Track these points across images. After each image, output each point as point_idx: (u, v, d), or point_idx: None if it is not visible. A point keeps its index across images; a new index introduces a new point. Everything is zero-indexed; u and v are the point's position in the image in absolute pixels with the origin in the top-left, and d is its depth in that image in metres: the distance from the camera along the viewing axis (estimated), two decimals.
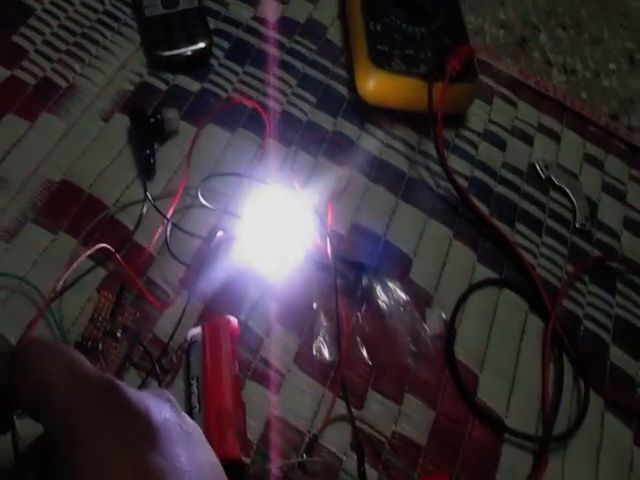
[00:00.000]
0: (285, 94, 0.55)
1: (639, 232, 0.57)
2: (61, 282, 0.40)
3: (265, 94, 0.55)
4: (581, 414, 0.46)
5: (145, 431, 0.24)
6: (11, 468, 0.28)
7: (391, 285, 0.45)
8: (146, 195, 0.46)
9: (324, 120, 0.55)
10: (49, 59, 0.53)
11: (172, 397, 0.28)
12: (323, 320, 0.43)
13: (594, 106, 0.63)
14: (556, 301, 0.49)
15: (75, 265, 0.41)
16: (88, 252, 0.42)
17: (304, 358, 0.43)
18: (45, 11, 0.56)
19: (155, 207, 0.46)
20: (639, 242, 0.57)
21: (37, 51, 0.53)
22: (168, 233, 0.46)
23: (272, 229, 0.45)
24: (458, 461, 0.43)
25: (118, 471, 0.23)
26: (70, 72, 0.53)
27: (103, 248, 0.43)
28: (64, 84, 0.52)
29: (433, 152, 0.54)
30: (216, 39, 0.56)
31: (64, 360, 0.25)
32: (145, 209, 0.46)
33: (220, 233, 0.44)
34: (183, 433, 0.26)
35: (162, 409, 0.26)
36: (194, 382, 0.39)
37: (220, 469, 0.26)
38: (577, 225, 0.55)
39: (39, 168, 0.47)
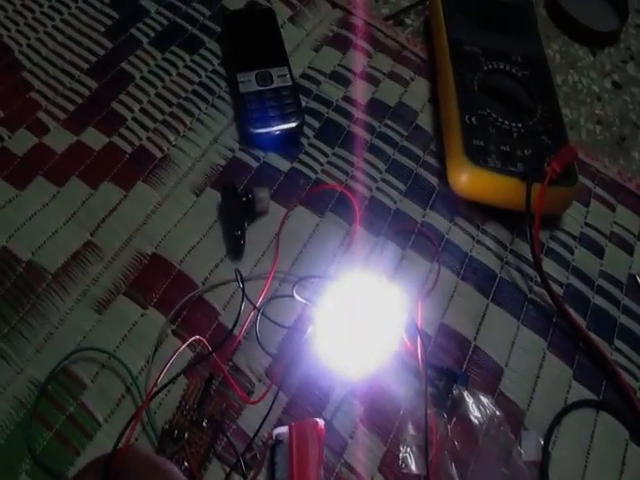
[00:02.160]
0: (374, 179, 0.55)
1: None
2: (161, 377, 0.40)
3: (354, 178, 0.55)
4: None
5: None
6: None
7: (484, 400, 0.44)
8: (239, 282, 0.46)
9: (413, 210, 0.54)
10: (145, 128, 0.55)
11: None
12: (410, 429, 0.42)
13: None
14: None
15: (173, 358, 0.41)
16: (185, 345, 0.42)
17: (389, 467, 0.42)
18: (143, 79, 0.58)
19: (246, 297, 0.46)
20: None
21: (134, 119, 0.55)
22: (257, 321, 0.46)
23: (359, 324, 0.44)
24: None
25: None
26: (165, 142, 0.54)
27: (192, 329, 0.43)
28: (159, 154, 0.53)
29: (526, 253, 0.52)
30: (307, 118, 0.57)
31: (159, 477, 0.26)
32: (235, 292, 0.47)
33: (311, 328, 0.44)
34: None
35: None
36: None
37: None
38: None
39: (132, 239, 0.49)
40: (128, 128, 0.54)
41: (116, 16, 0.62)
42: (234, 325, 0.43)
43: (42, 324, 0.44)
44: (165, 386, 0.41)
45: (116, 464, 0.26)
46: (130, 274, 0.47)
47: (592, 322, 0.51)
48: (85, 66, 0.58)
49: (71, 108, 0.55)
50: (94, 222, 0.49)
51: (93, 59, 0.58)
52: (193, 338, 0.43)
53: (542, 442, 0.44)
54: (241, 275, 0.45)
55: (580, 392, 0.48)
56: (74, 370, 0.42)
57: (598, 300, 0.53)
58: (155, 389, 0.40)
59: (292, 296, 0.46)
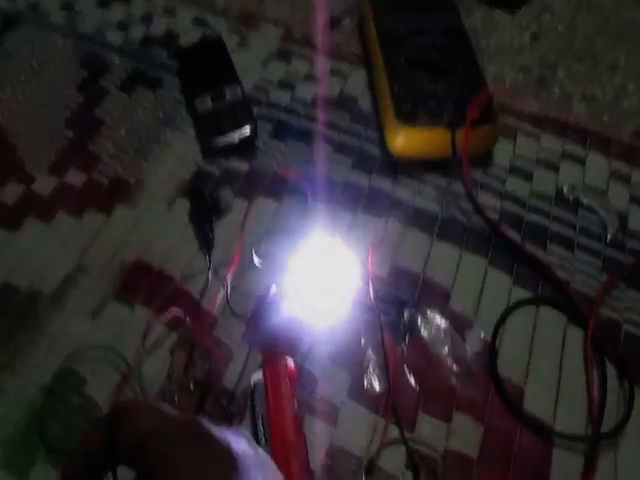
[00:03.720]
0: (323, 161, 0.61)
1: None
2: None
3: (306, 164, 0.61)
4: (628, 411, 0.46)
5: (228, 461, 0.28)
6: None
7: (431, 315, 0.49)
8: (209, 265, 0.52)
9: (360, 179, 0.60)
10: (120, 160, 0.61)
11: (247, 432, 0.32)
12: (371, 355, 0.47)
13: (616, 126, 0.64)
14: (594, 309, 0.50)
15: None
16: (162, 319, 0.48)
17: (356, 391, 0.47)
18: (114, 120, 0.65)
19: (215, 272, 0.52)
20: None
21: (109, 155, 0.62)
22: (229, 295, 0.51)
23: (319, 279, 0.50)
24: (511, 470, 0.44)
25: None
26: (138, 169, 0.61)
27: (175, 315, 0.49)
28: (133, 180, 0.60)
29: (463, 192, 0.57)
30: (261, 123, 0.63)
31: (154, 411, 0.30)
32: (209, 277, 0.52)
33: (273, 288, 0.49)
34: (258, 462, 0.30)
35: (240, 442, 0.30)
36: (259, 420, 0.42)
37: None
38: (609, 238, 0.56)
39: (116, 254, 0.55)
40: (105, 164, 0.61)
41: (85, 73, 0.69)
42: (201, 296, 0.50)
43: (44, 337, 0.50)
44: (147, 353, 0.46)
45: (117, 411, 0.30)
46: (117, 282, 0.53)
47: (527, 235, 0.56)
48: (62, 120, 0.65)
49: (53, 158, 0.62)
50: (82, 247, 0.55)
51: (69, 113, 0.65)
52: (170, 313, 0.49)
53: (483, 335, 0.49)
54: (209, 255, 0.52)
55: (521, 294, 0.52)
56: (75, 368, 0.48)
57: (531, 216, 0.58)
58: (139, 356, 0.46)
59: (257, 267, 0.52)
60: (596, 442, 0.45)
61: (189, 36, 0.73)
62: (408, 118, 0.57)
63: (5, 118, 0.66)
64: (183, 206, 0.58)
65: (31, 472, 0.44)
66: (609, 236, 0.56)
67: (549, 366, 0.49)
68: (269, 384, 0.43)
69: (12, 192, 0.59)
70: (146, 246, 0.55)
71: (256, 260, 0.53)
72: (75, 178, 0.60)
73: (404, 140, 0.57)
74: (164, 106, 0.66)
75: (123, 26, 0.74)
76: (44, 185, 0.60)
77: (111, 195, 0.59)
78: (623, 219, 0.58)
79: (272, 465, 0.31)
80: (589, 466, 0.44)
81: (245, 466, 0.28)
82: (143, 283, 0.53)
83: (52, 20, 0.75)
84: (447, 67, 0.61)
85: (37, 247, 0.55)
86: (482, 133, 0.57)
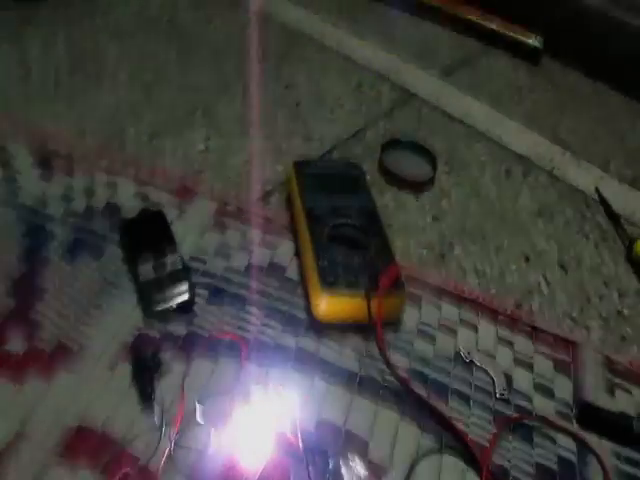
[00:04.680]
0: (255, 325, 0.68)
1: (547, 394, 0.69)
2: None
3: (239, 328, 0.67)
4: None
5: None
6: None
7: (352, 464, 0.56)
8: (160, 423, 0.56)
9: (288, 341, 0.67)
10: (61, 328, 0.65)
11: None
12: None
13: (501, 299, 0.78)
14: (486, 456, 0.59)
15: None
16: None
17: None
18: (57, 288, 0.69)
19: (159, 432, 0.56)
20: (548, 402, 0.68)
21: (52, 323, 0.65)
22: (172, 453, 0.55)
23: (254, 430, 0.56)
24: None
25: None
26: (80, 335, 0.64)
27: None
28: (75, 347, 0.63)
29: (378, 353, 0.65)
30: (198, 289, 0.70)
31: None
32: (152, 438, 0.55)
33: (213, 440, 0.54)
34: None
35: None
36: None
37: None
38: (497, 395, 0.67)
39: (58, 419, 0.57)
40: (46, 331, 0.64)
41: (27, 243, 0.73)
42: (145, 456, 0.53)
43: None
44: None
45: None
46: (59, 447, 0.55)
47: (431, 391, 0.65)
48: (3, 289, 0.68)
49: None
50: (23, 415, 0.57)
51: (10, 283, 0.68)
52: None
53: None
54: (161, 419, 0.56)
55: (427, 444, 0.61)
56: None
57: (434, 375, 0.67)
58: None
59: (199, 423, 0.57)
60: None
61: (130, 208, 0.79)
62: (331, 287, 0.66)
63: None
64: (124, 369, 0.61)
65: None
66: (497, 393, 0.66)
67: None
68: None
69: None
70: (88, 410, 0.58)
71: (198, 417, 0.57)
72: (16, 345, 0.62)
73: (326, 306, 0.66)
74: (105, 274, 0.71)
75: (65, 198, 0.79)
76: None
77: (53, 361, 0.61)
78: (509, 378, 0.69)
79: None
80: None
81: None
82: (86, 447, 0.55)
83: None
84: (363, 243, 0.72)
85: None
86: (392, 301, 0.67)
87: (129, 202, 0.81)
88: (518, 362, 0.71)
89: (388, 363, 0.63)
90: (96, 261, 0.73)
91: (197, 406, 0.57)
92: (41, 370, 0.61)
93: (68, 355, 0.62)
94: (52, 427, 0.56)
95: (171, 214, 0.79)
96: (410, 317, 0.73)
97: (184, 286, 0.68)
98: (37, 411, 0.57)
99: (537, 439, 0.64)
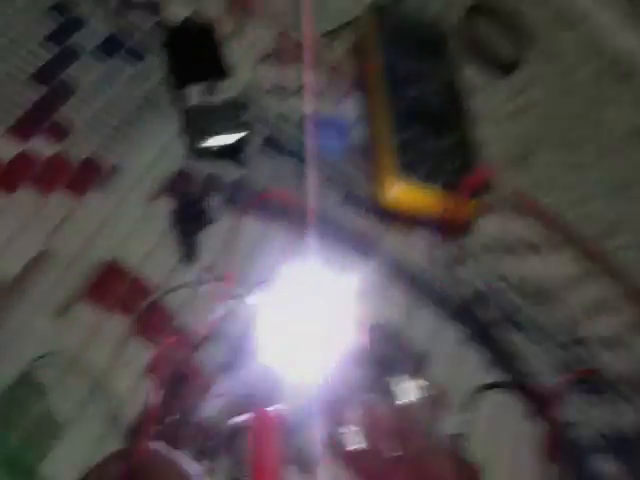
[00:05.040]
0: (315, 188, 0.60)
1: (627, 347, 0.63)
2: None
3: (297, 188, 0.59)
4: None
5: None
6: None
7: (411, 381, 0.51)
8: (191, 282, 0.51)
9: (350, 218, 0.60)
10: (91, 139, 0.56)
11: None
12: (351, 412, 0.48)
13: (584, 226, 0.69)
14: (553, 405, 0.55)
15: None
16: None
17: (335, 448, 0.47)
18: (85, 90, 0.59)
19: (198, 295, 0.50)
20: (628, 354, 0.63)
21: (79, 131, 0.56)
22: (212, 317, 0.49)
23: (306, 319, 0.49)
24: None
25: None
26: (113, 153, 0.56)
27: (151, 333, 0.47)
28: (107, 166, 0.55)
29: (446, 257, 0.60)
30: (253, 130, 0.60)
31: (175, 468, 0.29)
32: (188, 295, 0.50)
33: (259, 328, 0.48)
34: None
35: None
36: (239, 465, 0.42)
37: None
38: (571, 338, 0.61)
39: (88, 246, 0.51)
40: (74, 141, 0.55)
41: (55, 26, 0.61)
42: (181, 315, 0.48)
43: (1, 332, 0.45)
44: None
45: (135, 459, 0.28)
46: (88, 279, 0.49)
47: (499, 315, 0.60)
48: (24, 78, 0.57)
49: (13, 121, 0.54)
50: (49, 230, 0.50)
51: (33, 69, 0.58)
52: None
53: (461, 418, 0.52)
54: (198, 279, 0.49)
55: (495, 376, 0.56)
56: (36, 375, 0.44)
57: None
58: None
59: (242, 301, 0.50)
60: None
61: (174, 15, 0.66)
62: (408, 171, 0.58)
63: None
64: (164, 206, 0.54)
65: None
66: (572, 337, 0.61)
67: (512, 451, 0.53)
68: (255, 432, 0.43)
69: None
70: (122, 244, 0.51)
71: (241, 285, 0.51)
72: (41, 147, 0.54)
73: (400, 193, 0.58)
74: (146, 85, 0.61)
75: None
76: (3, 148, 0.53)
77: (82, 177, 0.54)
78: (587, 320, 0.63)
79: None
80: None
81: None
82: (118, 287, 0.49)
83: None
84: (447, 126, 0.62)
85: None
86: (471, 204, 0.60)
87: (174, 6, 0.67)
88: (598, 303, 0.65)
89: (455, 274, 0.58)
90: (134, 67, 0.62)
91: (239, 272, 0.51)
92: (68, 184, 0.53)
93: (98, 175, 0.55)
94: (81, 252, 0.50)
95: (224, 30, 0.67)
96: (483, 227, 0.65)
97: (236, 121, 0.59)
98: (64, 229, 0.51)
99: (612, 396, 0.59)
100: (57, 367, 0.45)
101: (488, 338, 0.58)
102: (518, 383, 0.56)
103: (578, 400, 0.58)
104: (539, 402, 0.55)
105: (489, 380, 0.56)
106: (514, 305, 0.61)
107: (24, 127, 0.55)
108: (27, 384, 0.44)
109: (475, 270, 0.62)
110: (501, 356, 0.57)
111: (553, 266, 0.66)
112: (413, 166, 0.58)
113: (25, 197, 0.51)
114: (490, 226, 0.65)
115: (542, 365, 0.59)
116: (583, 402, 0.58)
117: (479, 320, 0.58)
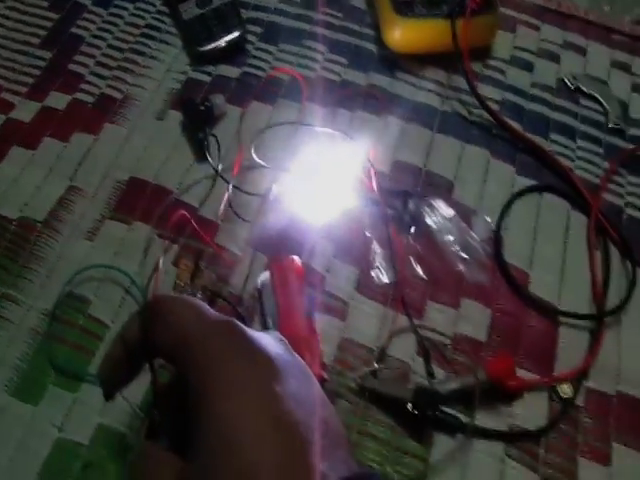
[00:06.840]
0: (318, 61, 0.58)
1: None
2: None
3: (300, 65, 0.58)
4: (630, 290, 0.47)
5: (264, 363, 0.26)
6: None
7: (436, 205, 0.49)
8: (216, 170, 0.51)
9: (357, 77, 0.58)
10: (103, 77, 0.58)
11: (283, 338, 0.30)
12: (377, 248, 0.47)
13: (617, 16, 0.64)
14: (597, 194, 0.51)
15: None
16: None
17: (364, 285, 0.47)
18: (94, 36, 0.61)
19: (216, 171, 0.51)
20: None
21: (92, 73, 0.58)
22: (230, 197, 0.50)
23: (321, 176, 0.49)
24: (519, 349, 0.45)
25: (247, 396, 0.25)
26: (123, 84, 0.57)
27: (176, 225, 0.47)
28: (119, 96, 0.57)
29: (463, 85, 0.56)
30: (249, 27, 0.60)
31: (192, 308, 0.28)
32: (208, 185, 0.51)
33: (274, 187, 0.48)
34: (294, 366, 0.28)
35: (275, 346, 0.28)
36: (269, 319, 0.42)
37: (324, 397, 0.28)
38: (610, 125, 0.56)
39: (108, 172, 0.52)
40: (87, 82, 0.57)
41: None
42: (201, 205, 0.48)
43: (41, 265, 0.48)
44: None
45: (156, 306, 0.28)
46: (112, 201, 0.51)
47: (528, 125, 0.56)
48: (37, 41, 0.60)
49: (30, 81, 0.58)
50: (72, 169, 0.52)
51: (43, 33, 0.61)
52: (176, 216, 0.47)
53: (490, 220, 0.49)
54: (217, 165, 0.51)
55: (524, 183, 0.53)
56: (77, 291, 0.46)
57: (532, 106, 0.58)
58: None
59: (259, 166, 0.50)
60: (600, 319, 0.45)
61: None
62: (406, 9, 0.55)
63: None
64: (175, 118, 0.55)
65: (44, 396, 0.43)
66: (610, 123, 0.56)
67: (553, 251, 0.50)
68: (277, 282, 0.43)
69: None
70: (139, 162, 0.53)
71: (257, 160, 0.51)
72: (57, 101, 0.57)
73: (402, 32, 0.55)
74: (145, 17, 0.62)
75: None
76: (24, 111, 0.56)
77: (97, 114, 0.56)
78: (624, 106, 0.58)
79: (307, 370, 0.29)
80: (594, 342, 0.45)
81: (282, 370, 0.26)
82: (139, 199, 0.50)
83: None
84: None
85: (24, 174, 0.52)
86: (482, 23, 0.56)
87: None
88: (637, 88, 0.59)
89: (476, 94, 0.54)
90: (133, 3, 0.63)
91: (253, 150, 0.51)
92: (86, 124, 0.55)
93: (113, 106, 0.56)
94: (103, 180, 0.52)
95: None
96: (503, 42, 0.61)
97: (233, 21, 0.59)
98: (86, 166, 0.53)
99: None
100: (94, 280, 0.47)
101: (518, 146, 0.54)
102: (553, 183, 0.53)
103: (623, 181, 0.54)
104: (578, 194, 0.52)
105: (521, 185, 0.53)
106: (551, 107, 0.58)
107: (41, 87, 0.58)
108: (70, 300, 0.46)
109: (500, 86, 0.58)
110: (533, 162, 0.54)
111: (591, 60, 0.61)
112: (412, 2, 0.55)
113: (48, 148, 0.54)
114: (511, 40, 0.61)
115: (582, 160, 0.55)
116: (629, 182, 0.54)
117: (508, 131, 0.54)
